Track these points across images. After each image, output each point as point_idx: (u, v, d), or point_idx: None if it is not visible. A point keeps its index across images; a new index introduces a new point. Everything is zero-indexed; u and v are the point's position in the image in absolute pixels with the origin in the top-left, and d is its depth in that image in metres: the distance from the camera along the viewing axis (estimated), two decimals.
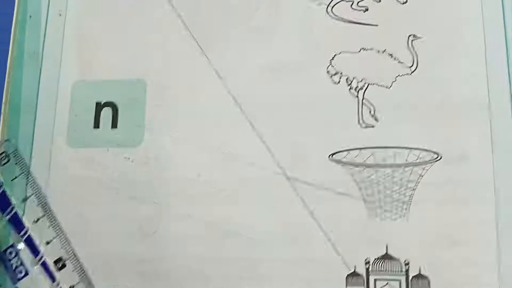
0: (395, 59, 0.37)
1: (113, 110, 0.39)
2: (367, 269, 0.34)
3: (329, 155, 0.36)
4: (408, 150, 0.35)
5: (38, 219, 0.37)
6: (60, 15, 0.41)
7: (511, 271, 0.33)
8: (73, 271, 0.36)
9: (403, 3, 0.37)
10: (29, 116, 0.39)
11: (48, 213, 0.37)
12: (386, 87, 0.36)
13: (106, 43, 0.40)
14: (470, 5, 0.37)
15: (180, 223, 0.36)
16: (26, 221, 0.37)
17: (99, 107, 0.39)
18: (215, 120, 0.37)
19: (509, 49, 0.36)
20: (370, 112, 0.36)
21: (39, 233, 0.37)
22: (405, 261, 0.34)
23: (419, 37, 0.37)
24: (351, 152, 0.35)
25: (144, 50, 0.39)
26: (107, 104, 0.39)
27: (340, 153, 0.35)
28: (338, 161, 0.35)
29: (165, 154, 0.37)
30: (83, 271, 0.36)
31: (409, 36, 0.37)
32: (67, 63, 0.40)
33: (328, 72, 0.37)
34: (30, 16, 0.41)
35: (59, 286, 0.36)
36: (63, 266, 0.36)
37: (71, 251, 0.36)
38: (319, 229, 0.35)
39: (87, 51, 0.40)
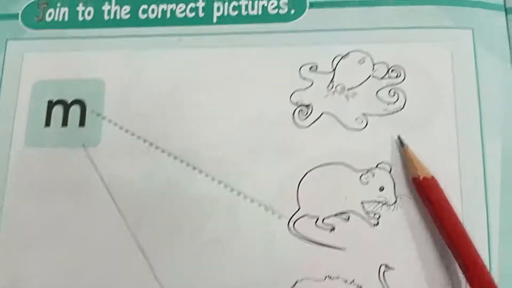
0: None
1: None
2: None
3: None
4: None
5: None
6: None
7: None
8: None
9: (374, 225, 0.33)
10: None
11: None
12: None
13: (41, 249, 0.35)
14: None
15: None
16: None
17: None
18: None
19: None
20: None
21: None
22: None
23: (391, 268, 0.32)
24: None
25: (83, 261, 0.34)
26: None
27: None
28: None
29: None
30: None
31: (381, 265, 0.32)
32: None
33: None
34: None
35: None
36: None
37: None
38: None
39: (20, 256, 0.35)
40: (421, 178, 0.32)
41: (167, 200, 0.35)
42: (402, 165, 0.34)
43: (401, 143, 0.34)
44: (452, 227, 0.31)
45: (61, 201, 0.36)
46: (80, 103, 0.37)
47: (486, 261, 0.31)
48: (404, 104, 0.35)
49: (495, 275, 0.31)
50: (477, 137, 0.34)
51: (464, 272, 0.30)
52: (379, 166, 0.34)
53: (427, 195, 0.32)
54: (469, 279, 0.30)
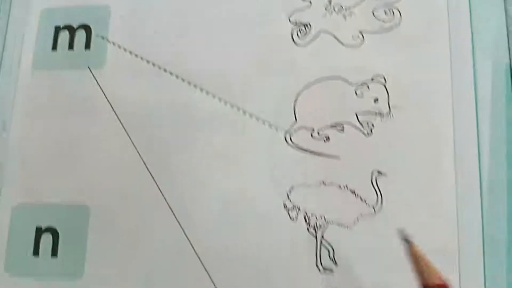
0: (357, 196, 0.33)
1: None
2: None
3: None
4: None
5: None
6: (4, 129, 0.38)
7: None
8: None
9: (368, 134, 0.34)
10: None
11: None
12: (347, 227, 0.33)
13: (50, 164, 0.37)
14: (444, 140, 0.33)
15: None
16: None
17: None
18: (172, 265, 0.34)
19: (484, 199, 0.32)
20: (329, 254, 0.32)
21: None
22: None
23: (384, 174, 0.33)
24: None
25: (91, 175, 0.36)
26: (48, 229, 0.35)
27: None
28: None
29: None
30: None
31: (373, 171, 0.33)
32: (8, 185, 0.36)
33: (285, 206, 0.33)
34: None
35: None
36: None
37: None
38: None
39: (30, 171, 0.37)
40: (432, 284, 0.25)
41: (173, 120, 0.36)
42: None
43: (405, 241, 0.27)
44: None
45: (68, 121, 0.37)
46: (86, 27, 0.38)
47: None
48: (399, 22, 0.35)
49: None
50: (468, 55, 0.34)
51: None
52: (374, 79, 0.34)
53: None
54: None
